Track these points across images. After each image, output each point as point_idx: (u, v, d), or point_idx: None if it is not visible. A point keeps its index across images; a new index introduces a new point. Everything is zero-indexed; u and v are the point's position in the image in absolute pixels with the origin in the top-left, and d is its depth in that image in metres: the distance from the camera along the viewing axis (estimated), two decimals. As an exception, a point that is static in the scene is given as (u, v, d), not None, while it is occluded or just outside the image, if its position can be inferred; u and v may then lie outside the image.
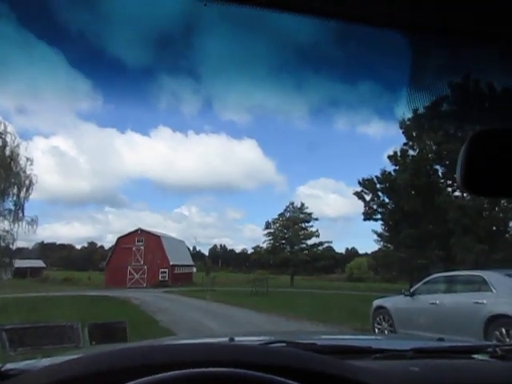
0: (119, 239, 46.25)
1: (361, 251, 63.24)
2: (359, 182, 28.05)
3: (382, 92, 1.13)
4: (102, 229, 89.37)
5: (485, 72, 0.97)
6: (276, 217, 47.32)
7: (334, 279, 50.11)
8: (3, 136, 22.29)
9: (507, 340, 6.47)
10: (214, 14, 0.88)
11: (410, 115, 1.16)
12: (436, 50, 0.93)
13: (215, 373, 0.64)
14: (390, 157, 26.54)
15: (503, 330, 6.65)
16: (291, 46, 1.06)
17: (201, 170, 76.95)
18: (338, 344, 1.42)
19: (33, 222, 23.99)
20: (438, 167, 25.92)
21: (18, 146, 22.95)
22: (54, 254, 70.85)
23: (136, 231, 45.90)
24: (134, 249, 44.70)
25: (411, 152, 25.98)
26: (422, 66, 0.96)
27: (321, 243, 46.47)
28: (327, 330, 9.62)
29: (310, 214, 46.44)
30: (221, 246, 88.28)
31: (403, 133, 25.23)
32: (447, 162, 24.19)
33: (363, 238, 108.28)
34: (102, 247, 73.45)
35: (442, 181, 25.98)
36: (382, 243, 29.97)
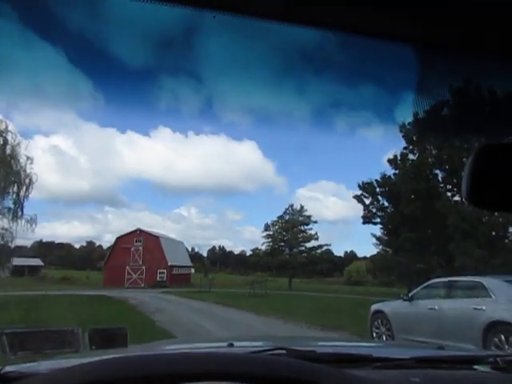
0: (118, 239, 46.26)
1: (360, 255, 63.19)
2: (359, 186, 28.09)
3: (382, 95, 1.12)
4: (101, 228, 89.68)
5: (491, 83, 0.96)
6: (275, 219, 47.39)
7: (332, 282, 50.12)
8: (4, 134, 22.33)
9: (506, 347, 6.45)
10: (216, 16, 0.87)
11: (411, 121, 1.15)
12: (440, 60, 0.92)
13: None
14: (390, 160, 26.59)
15: (502, 337, 6.62)
16: (293, 48, 1.05)
17: (200, 171, 77.16)
18: (337, 352, 1.40)
19: (32, 220, 24.02)
20: (437, 172, 25.97)
21: (18, 144, 23.00)
22: (53, 252, 70.86)
23: (135, 231, 45.92)
24: (132, 249, 44.70)
25: (411, 156, 26.03)
26: (426, 73, 0.95)
27: (320, 246, 46.50)
28: (326, 336, 9.60)
29: (309, 217, 46.50)
30: (219, 247, 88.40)
31: (403, 137, 25.25)
32: (447, 167, 24.20)
33: (362, 241, 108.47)
34: (100, 247, 73.57)
35: (442, 185, 25.99)
36: (380, 247, 30.01)
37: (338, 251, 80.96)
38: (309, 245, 46.37)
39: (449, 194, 25.49)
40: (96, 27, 1.02)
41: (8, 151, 22.51)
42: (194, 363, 0.67)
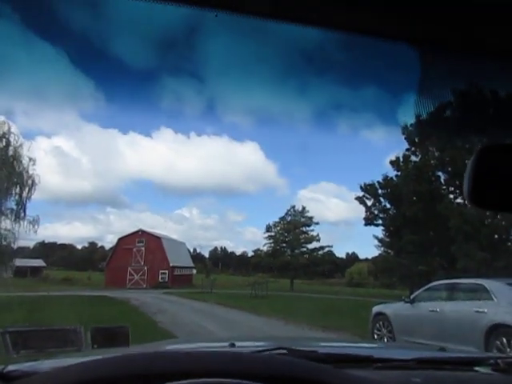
0: (120, 240, 46.30)
1: (361, 256, 63.09)
2: (361, 187, 28.06)
3: (385, 97, 1.12)
4: (103, 229, 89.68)
5: (493, 84, 0.96)
6: (277, 220, 47.39)
7: (333, 284, 49.98)
8: (6, 136, 22.38)
9: (508, 350, 6.42)
10: (218, 16, 0.87)
11: (413, 122, 1.14)
12: (443, 61, 0.91)
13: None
14: (392, 162, 26.56)
15: (504, 340, 6.60)
16: (295, 49, 1.05)
17: (202, 172, 77.05)
18: (339, 352, 1.40)
19: (34, 221, 24.03)
20: (440, 174, 25.93)
21: (20, 145, 23.03)
22: (55, 253, 70.95)
23: (137, 232, 45.94)
24: (134, 249, 44.72)
25: (413, 158, 26.00)
26: (428, 74, 0.95)
27: (321, 247, 46.49)
28: (327, 337, 9.58)
29: (310, 218, 46.46)
30: (221, 248, 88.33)
31: (406, 138, 25.23)
32: (449, 169, 24.15)
33: (364, 243, 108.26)
34: (102, 247, 73.52)
35: (444, 187, 25.94)
36: (382, 249, 29.93)
37: (340, 253, 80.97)
38: (310, 246, 46.43)
39: (451, 196, 25.43)
40: (97, 27, 1.02)
41: (10, 152, 22.57)
42: (196, 361, 0.67)
